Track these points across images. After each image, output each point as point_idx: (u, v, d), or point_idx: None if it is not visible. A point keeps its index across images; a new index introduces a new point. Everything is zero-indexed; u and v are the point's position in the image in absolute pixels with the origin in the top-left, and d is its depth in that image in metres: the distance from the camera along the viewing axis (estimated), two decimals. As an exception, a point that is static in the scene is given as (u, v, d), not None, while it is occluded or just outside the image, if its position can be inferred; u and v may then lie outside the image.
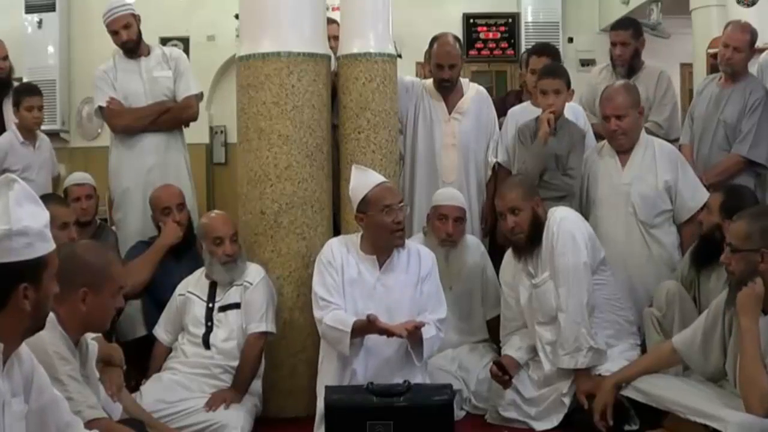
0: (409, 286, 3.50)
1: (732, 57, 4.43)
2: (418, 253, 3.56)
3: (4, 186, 1.86)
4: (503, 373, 3.70)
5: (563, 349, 3.55)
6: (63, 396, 2.13)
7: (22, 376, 1.93)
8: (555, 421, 3.61)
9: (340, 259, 3.50)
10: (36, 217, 1.88)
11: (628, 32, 4.83)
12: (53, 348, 2.35)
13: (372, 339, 3.38)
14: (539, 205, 3.71)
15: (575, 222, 3.69)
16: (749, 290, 2.96)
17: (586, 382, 3.54)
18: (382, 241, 3.49)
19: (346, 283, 3.48)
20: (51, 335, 2.07)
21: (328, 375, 3.45)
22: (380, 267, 3.51)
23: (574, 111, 4.45)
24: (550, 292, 3.63)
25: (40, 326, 1.96)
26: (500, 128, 4.65)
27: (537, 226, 3.67)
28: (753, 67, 4.63)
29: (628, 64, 4.83)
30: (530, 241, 3.68)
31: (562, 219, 3.65)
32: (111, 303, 2.50)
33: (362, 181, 3.53)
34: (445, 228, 4.05)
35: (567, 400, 3.59)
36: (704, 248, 3.68)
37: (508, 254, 3.86)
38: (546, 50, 4.87)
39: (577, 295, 3.55)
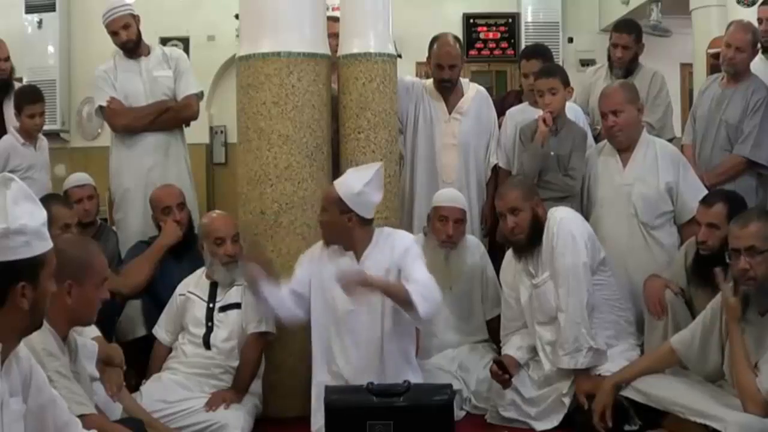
0: (383, 273, 3.47)
1: (734, 57, 4.41)
2: (393, 240, 3.53)
3: (1, 185, 1.86)
4: (503, 372, 3.70)
5: (563, 350, 3.55)
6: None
7: (20, 376, 1.93)
8: (555, 421, 3.61)
9: (318, 261, 3.58)
10: (33, 215, 1.88)
11: (631, 36, 4.80)
12: (41, 345, 2.35)
13: (354, 336, 3.50)
14: (539, 206, 3.71)
15: (575, 222, 3.69)
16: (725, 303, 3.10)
17: (586, 382, 3.54)
18: None
19: (329, 282, 3.50)
20: (39, 333, 2.08)
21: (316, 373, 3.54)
22: (358, 261, 3.52)
23: (573, 111, 4.44)
24: (550, 293, 3.63)
25: (38, 325, 1.96)
26: (500, 128, 4.66)
27: (537, 227, 3.67)
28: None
29: (626, 67, 4.82)
30: (530, 242, 3.68)
31: (561, 219, 3.65)
32: (96, 294, 2.51)
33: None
34: (445, 229, 4.04)
35: (567, 401, 3.59)
36: (706, 265, 3.49)
37: (509, 254, 3.86)
38: (535, 52, 4.85)
39: (576, 295, 3.54)
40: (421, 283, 3.29)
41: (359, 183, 3.45)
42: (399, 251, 3.47)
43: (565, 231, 3.60)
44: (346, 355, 3.52)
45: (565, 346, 3.54)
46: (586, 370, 3.55)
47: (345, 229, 3.47)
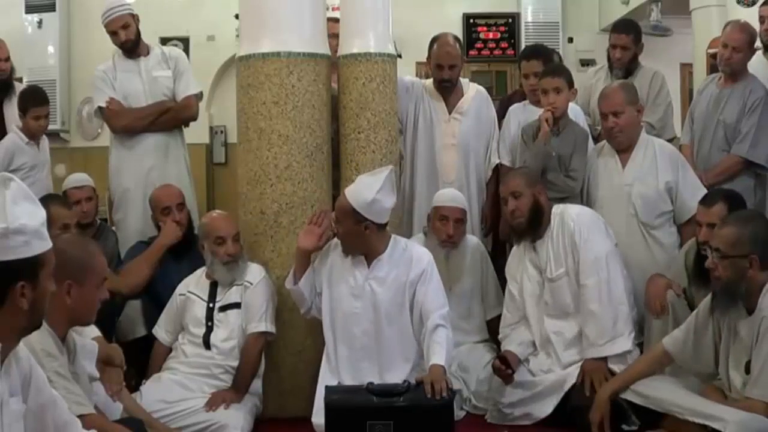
0: (395, 287, 3.52)
1: (731, 57, 4.42)
2: (411, 256, 3.56)
3: (0, 185, 1.86)
4: (506, 367, 3.70)
5: (603, 338, 3.57)
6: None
7: (20, 376, 1.93)
8: (550, 406, 3.61)
9: (331, 260, 3.62)
10: (32, 215, 1.88)
11: (630, 37, 4.79)
12: (40, 346, 2.35)
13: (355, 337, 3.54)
14: (542, 194, 3.75)
15: (591, 214, 3.77)
16: None
17: (593, 363, 3.56)
18: None
19: (337, 281, 3.57)
20: (38, 333, 2.08)
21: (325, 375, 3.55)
22: (368, 265, 3.55)
23: (574, 112, 4.45)
24: (566, 289, 3.66)
25: (38, 325, 1.96)
26: (500, 128, 4.65)
27: (537, 213, 3.71)
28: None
29: (626, 68, 4.82)
30: (530, 226, 3.72)
31: (578, 214, 3.73)
32: (95, 294, 2.51)
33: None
34: (445, 229, 4.05)
35: (566, 386, 3.60)
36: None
37: (515, 249, 3.89)
38: (536, 53, 4.84)
39: (613, 281, 3.61)
40: (443, 336, 3.34)
41: (371, 191, 3.43)
42: (416, 271, 3.51)
43: (585, 225, 3.67)
44: (349, 356, 3.54)
45: (604, 334, 3.56)
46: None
47: (362, 237, 3.49)
